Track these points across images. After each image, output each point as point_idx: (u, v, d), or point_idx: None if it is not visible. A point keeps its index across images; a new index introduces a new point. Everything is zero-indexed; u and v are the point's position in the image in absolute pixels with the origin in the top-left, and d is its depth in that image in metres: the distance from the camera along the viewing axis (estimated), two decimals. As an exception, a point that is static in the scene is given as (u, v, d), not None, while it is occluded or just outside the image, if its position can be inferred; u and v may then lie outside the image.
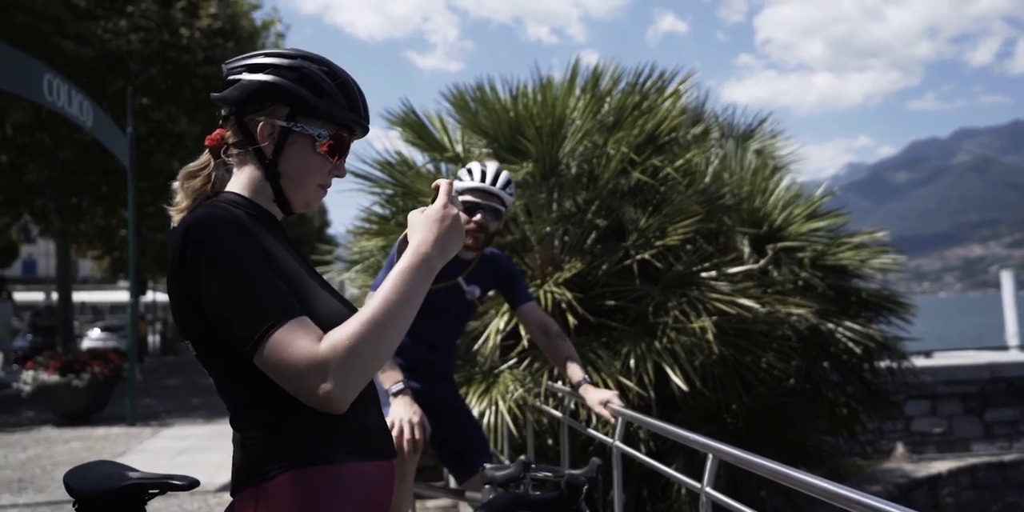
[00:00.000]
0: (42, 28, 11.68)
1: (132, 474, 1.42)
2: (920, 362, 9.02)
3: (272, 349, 1.15)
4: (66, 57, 12.04)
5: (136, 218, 10.77)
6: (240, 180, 1.39)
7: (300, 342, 1.15)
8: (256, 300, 1.18)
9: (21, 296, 30.02)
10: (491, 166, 2.80)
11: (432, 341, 2.88)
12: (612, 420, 2.76)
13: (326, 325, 1.21)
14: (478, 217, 2.74)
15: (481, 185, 2.74)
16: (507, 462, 3.70)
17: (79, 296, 29.70)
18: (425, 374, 2.88)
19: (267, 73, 1.35)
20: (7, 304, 16.98)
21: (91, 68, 12.80)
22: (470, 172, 2.80)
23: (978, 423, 9.38)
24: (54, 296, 20.95)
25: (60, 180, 14.60)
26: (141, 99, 13.02)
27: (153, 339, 26.86)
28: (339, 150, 1.38)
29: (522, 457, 1.89)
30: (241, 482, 1.25)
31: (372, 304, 1.20)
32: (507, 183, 2.79)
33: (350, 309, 1.34)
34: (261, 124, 1.35)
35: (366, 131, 1.42)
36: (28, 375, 10.14)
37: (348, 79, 1.39)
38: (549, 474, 1.99)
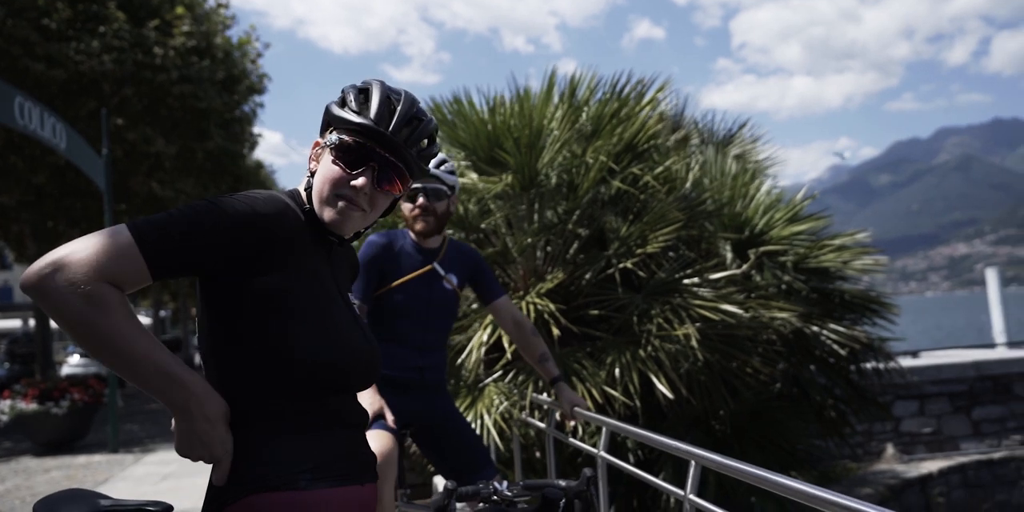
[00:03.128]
0: (11, 50, 11.55)
1: (104, 502, 1.37)
2: (907, 362, 9.04)
3: (111, 231, 1.15)
4: (37, 79, 11.91)
5: (113, 240, 10.62)
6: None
7: (106, 249, 1.12)
8: (169, 222, 1.18)
9: (-2, 323, 29.61)
10: None
11: (418, 343, 2.80)
12: (571, 424, 2.93)
13: (293, 353, 1.23)
14: (420, 201, 2.75)
15: None
16: (498, 477, 3.64)
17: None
18: (417, 388, 2.80)
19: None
20: (-16, 332, 16.71)
21: (63, 90, 12.66)
22: None
23: (966, 422, 9.40)
24: (31, 323, 20.64)
25: (35, 204, 14.40)
26: (116, 120, 12.90)
27: (136, 362, 26.57)
28: (349, 155, 1.34)
29: (447, 483, 1.84)
30: (207, 504, 1.24)
31: (122, 328, 1.11)
32: (441, 162, 2.80)
33: (362, 336, 1.35)
34: (312, 144, 1.43)
35: (380, 137, 1.35)
36: (5, 404, 9.94)
37: (376, 90, 1.37)
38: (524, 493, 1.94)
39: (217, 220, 1.20)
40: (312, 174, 1.39)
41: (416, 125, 1.38)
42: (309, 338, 1.26)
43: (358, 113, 1.35)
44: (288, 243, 1.27)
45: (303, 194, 1.40)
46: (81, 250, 1.11)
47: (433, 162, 2.76)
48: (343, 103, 1.38)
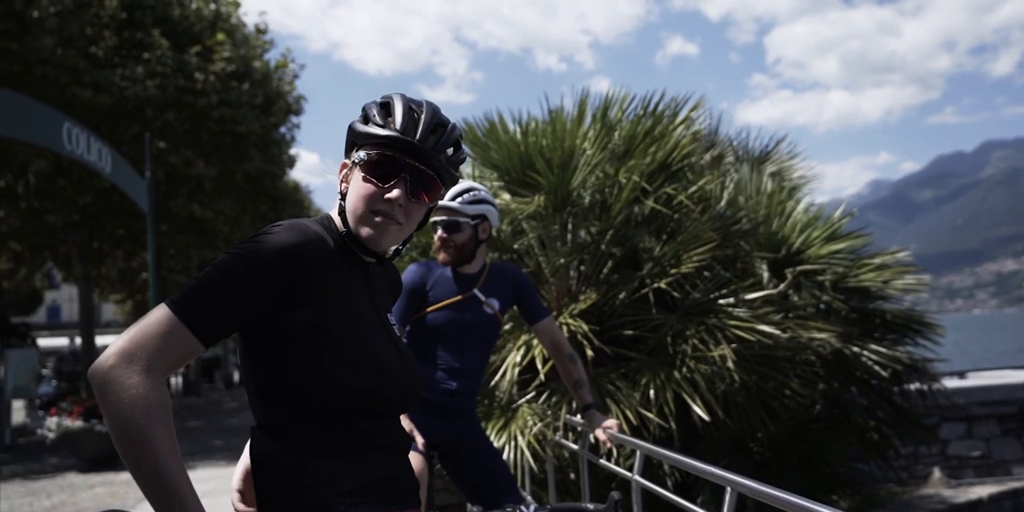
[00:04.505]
0: (60, 78, 11.93)
1: None
2: (953, 383, 8.79)
3: (153, 314, 1.19)
4: (84, 105, 12.27)
5: (156, 261, 10.85)
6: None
7: (152, 335, 1.15)
8: (204, 289, 1.20)
9: (45, 342, 30.28)
10: None
11: (455, 365, 2.80)
12: (607, 444, 2.86)
13: (330, 382, 1.24)
14: (439, 233, 2.79)
15: None
16: (529, 499, 3.61)
17: (102, 340, 29.92)
18: (447, 412, 2.80)
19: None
20: (32, 351, 17.11)
21: (109, 115, 13.03)
22: None
23: (1018, 445, 9.09)
24: (78, 341, 21.11)
25: (81, 225, 14.79)
26: (158, 144, 13.22)
27: (176, 381, 26.93)
28: (379, 169, 1.34)
29: (473, 509, 1.83)
30: None
31: (155, 442, 1.12)
32: (460, 192, 2.80)
33: (399, 361, 1.35)
34: (340, 166, 1.42)
35: (409, 146, 1.34)
36: (52, 421, 10.15)
37: (398, 102, 1.38)
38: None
39: (243, 274, 1.22)
40: (343, 196, 1.39)
41: (441, 132, 1.37)
42: (346, 367, 1.26)
43: (383, 126, 1.35)
44: (315, 270, 1.28)
45: (336, 219, 1.40)
46: (134, 341, 1.15)
47: (452, 192, 2.78)
48: (366, 119, 1.38)
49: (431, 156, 1.35)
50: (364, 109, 1.39)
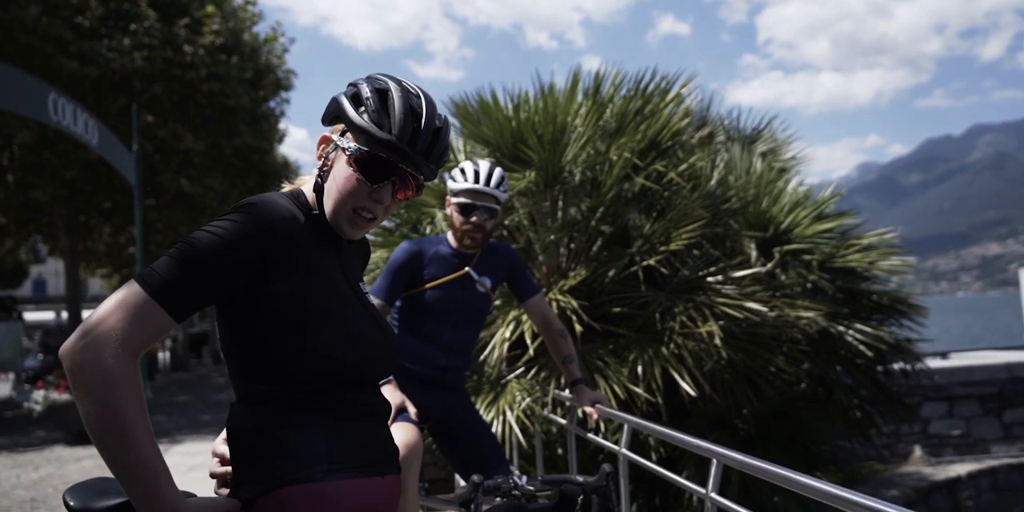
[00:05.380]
0: (46, 49, 11.77)
1: None
2: (936, 363, 8.91)
3: (123, 291, 1.18)
4: (70, 76, 12.12)
5: (144, 235, 10.79)
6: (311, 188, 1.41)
7: (121, 315, 1.15)
8: (175, 265, 1.19)
9: (31, 316, 30.17)
10: (483, 165, 2.80)
11: (446, 341, 2.84)
12: (595, 417, 2.89)
13: (312, 355, 1.25)
14: (474, 217, 2.76)
15: (475, 186, 2.76)
16: (517, 472, 3.66)
17: (89, 314, 29.84)
18: (438, 386, 2.85)
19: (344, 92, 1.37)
20: (17, 324, 17.06)
21: (96, 87, 12.88)
22: (463, 172, 2.81)
23: (997, 424, 9.25)
24: (64, 315, 21.03)
25: (67, 199, 14.66)
26: (146, 117, 13.08)
27: (163, 356, 26.90)
28: (371, 169, 1.30)
29: (474, 477, 1.85)
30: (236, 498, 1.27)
31: (127, 422, 1.12)
32: (500, 180, 2.80)
33: (376, 330, 1.36)
34: (319, 138, 1.37)
35: (405, 154, 1.30)
36: (39, 394, 10.15)
37: (397, 98, 1.31)
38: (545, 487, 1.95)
39: (217, 249, 1.21)
40: (321, 173, 1.35)
41: (437, 138, 1.34)
42: (325, 338, 1.27)
43: (379, 125, 1.29)
44: (290, 246, 1.27)
45: (310, 195, 1.37)
46: (105, 320, 1.15)
47: (494, 180, 2.77)
48: (358, 103, 1.33)
49: (424, 165, 1.32)
50: (357, 91, 1.33)
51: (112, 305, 1.16)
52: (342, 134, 1.34)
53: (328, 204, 1.33)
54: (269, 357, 1.27)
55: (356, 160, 1.30)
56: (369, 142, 1.30)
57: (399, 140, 1.29)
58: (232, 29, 13.83)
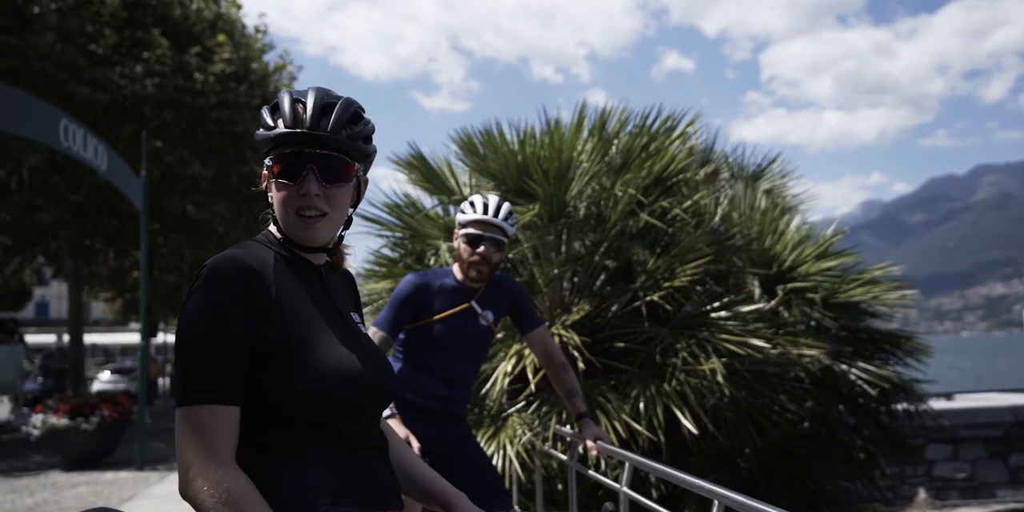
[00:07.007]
0: (59, 75, 11.92)
1: None
2: (941, 404, 8.84)
3: (180, 421, 1.20)
4: (82, 102, 12.26)
5: (148, 260, 10.81)
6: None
7: (196, 437, 1.17)
8: (192, 366, 1.21)
9: (33, 338, 30.09)
10: (492, 198, 2.84)
11: (447, 375, 2.85)
12: (594, 454, 2.89)
13: (301, 391, 1.25)
14: (481, 249, 2.78)
15: (484, 217, 2.79)
16: (517, 509, 3.61)
17: (91, 338, 29.77)
18: (439, 418, 2.85)
19: None
20: (19, 347, 17.01)
21: (106, 113, 13.02)
22: (472, 205, 2.84)
23: (1003, 468, 9.13)
24: (66, 338, 20.99)
25: (73, 222, 14.74)
26: (155, 143, 13.20)
27: (163, 381, 26.78)
28: (285, 169, 1.33)
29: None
30: None
31: None
32: (508, 214, 2.84)
33: (367, 361, 1.35)
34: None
35: (302, 136, 1.32)
36: (37, 418, 10.07)
37: (284, 98, 1.35)
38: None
39: (216, 328, 1.22)
40: (269, 204, 1.38)
41: (331, 111, 1.33)
42: (310, 372, 1.27)
43: (273, 127, 1.33)
44: (267, 286, 1.28)
45: (273, 229, 1.39)
46: (188, 450, 1.18)
47: (502, 213, 2.80)
48: (260, 127, 1.38)
49: (329, 139, 1.32)
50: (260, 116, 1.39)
51: (182, 436, 1.19)
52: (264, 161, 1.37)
53: (281, 224, 1.36)
54: (261, 395, 1.26)
55: (272, 169, 1.33)
56: (271, 147, 1.33)
57: (291, 127, 1.31)
58: (242, 57, 14.02)
